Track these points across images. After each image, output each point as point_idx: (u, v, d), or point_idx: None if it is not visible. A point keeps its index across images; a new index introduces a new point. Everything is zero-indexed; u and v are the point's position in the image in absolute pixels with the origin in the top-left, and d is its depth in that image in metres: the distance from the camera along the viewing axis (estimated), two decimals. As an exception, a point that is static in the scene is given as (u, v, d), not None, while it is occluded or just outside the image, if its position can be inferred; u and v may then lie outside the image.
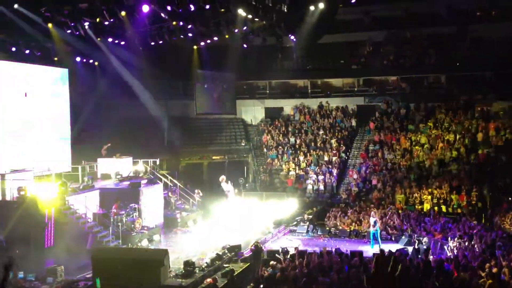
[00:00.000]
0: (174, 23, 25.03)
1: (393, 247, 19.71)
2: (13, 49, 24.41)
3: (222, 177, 26.03)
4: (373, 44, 35.01)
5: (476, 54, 31.15)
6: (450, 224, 22.00)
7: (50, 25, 22.52)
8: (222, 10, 24.29)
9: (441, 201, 24.99)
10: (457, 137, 28.97)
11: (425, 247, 19.40)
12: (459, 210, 23.87)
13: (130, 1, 22.14)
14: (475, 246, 18.18)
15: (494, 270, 15.19)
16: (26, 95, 24.34)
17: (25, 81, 24.33)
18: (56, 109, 26.24)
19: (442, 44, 32.43)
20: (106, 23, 23.22)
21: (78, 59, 29.00)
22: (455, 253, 17.81)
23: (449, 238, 20.19)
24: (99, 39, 25.51)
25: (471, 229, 20.91)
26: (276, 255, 17.68)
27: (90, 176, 23.66)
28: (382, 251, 16.84)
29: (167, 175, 26.53)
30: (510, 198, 23.85)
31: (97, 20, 22.27)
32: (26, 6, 21.15)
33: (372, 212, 21.91)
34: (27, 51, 25.04)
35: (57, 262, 16.99)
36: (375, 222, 21.02)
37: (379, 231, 21.10)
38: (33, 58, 25.31)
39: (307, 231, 23.38)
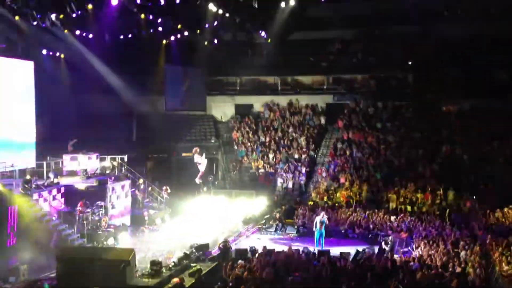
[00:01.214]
0: (142, 16, 24.71)
1: (359, 246, 19.98)
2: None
3: (195, 149, 25.53)
4: (342, 42, 35.22)
5: (442, 53, 31.62)
6: (415, 223, 22.37)
7: (17, 17, 21.93)
8: (192, 4, 24.12)
9: (407, 200, 25.33)
10: (423, 135, 29.44)
11: (389, 246, 19.68)
12: (424, 209, 24.20)
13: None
14: (440, 245, 18.54)
15: (458, 269, 15.57)
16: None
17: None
18: (21, 102, 25.56)
19: (410, 42, 32.81)
20: (74, 15, 22.78)
21: (44, 51, 28.32)
22: (421, 253, 18.15)
23: (414, 237, 20.57)
24: (66, 31, 24.97)
25: (436, 228, 21.34)
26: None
27: (55, 173, 23.16)
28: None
29: (135, 172, 26.20)
30: (474, 197, 24.35)
31: (64, 12, 21.83)
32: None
33: (322, 213, 21.69)
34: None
35: (20, 261, 16.61)
36: (323, 222, 20.72)
37: (324, 233, 20.76)
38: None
39: (276, 230, 23.44)
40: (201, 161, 25.22)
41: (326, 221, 21.12)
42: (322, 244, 20.50)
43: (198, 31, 28.40)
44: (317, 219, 21.05)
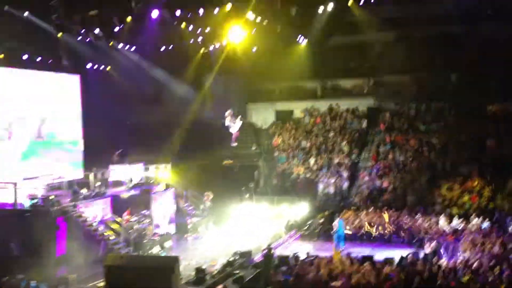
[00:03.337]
0: (183, 26, 25.14)
1: (404, 250, 19.64)
2: (25, 56, 24.67)
3: (229, 111, 25.47)
4: (383, 45, 34.79)
5: (486, 54, 30.79)
6: (462, 225, 21.82)
7: (60, 34, 22.77)
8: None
9: (453, 202, 24.75)
10: (468, 137, 28.71)
11: (435, 250, 19.28)
12: (470, 213, 23.57)
13: (139, 7, 22.35)
14: (486, 248, 18.04)
15: (506, 272, 15.10)
16: (38, 102, 24.58)
17: (37, 88, 24.57)
18: (68, 116, 26.45)
19: (452, 43, 32.12)
20: (116, 29, 23.48)
21: (89, 65, 29.23)
22: (467, 256, 17.68)
23: (461, 241, 20.07)
24: (110, 44, 25.72)
25: (483, 231, 20.73)
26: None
27: (102, 183, 23.81)
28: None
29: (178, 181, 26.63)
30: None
31: (107, 26, 22.53)
32: (36, 14, 21.43)
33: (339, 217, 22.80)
34: (39, 58, 25.29)
35: (69, 271, 17.10)
36: (340, 224, 21.68)
37: (343, 235, 21.71)
38: (44, 65, 25.55)
39: (319, 236, 23.31)
40: (233, 124, 24.97)
41: (343, 225, 21.99)
42: (341, 244, 21.35)
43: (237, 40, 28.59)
44: (336, 223, 21.98)
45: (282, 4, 25.06)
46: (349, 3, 28.44)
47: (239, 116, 25.04)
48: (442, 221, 22.79)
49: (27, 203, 19.84)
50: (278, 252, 20.22)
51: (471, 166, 26.84)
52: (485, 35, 31.04)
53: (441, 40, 32.25)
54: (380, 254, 19.09)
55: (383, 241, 22.34)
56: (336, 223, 21.84)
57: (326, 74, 35.58)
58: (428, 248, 19.59)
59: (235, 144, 25.93)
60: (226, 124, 24.83)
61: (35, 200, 19.73)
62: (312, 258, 17.80)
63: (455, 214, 23.81)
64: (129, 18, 22.87)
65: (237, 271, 17.32)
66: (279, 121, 36.03)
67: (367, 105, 34.27)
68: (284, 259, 18.54)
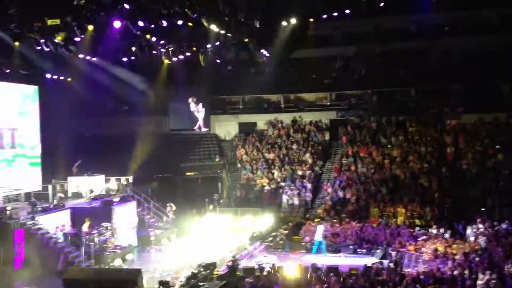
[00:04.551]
0: (147, 36, 24.85)
1: (369, 260, 19.80)
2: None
3: (192, 98, 25.23)
4: (345, 59, 35.41)
5: (444, 68, 31.76)
6: (424, 236, 22.19)
7: (17, 43, 22.12)
8: (193, 25, 24.26)
9: (415, 213, 25.19)
10: (428, 149, 29.41)
11: (399, 260, 19.51)
12: (431, 223, 24.00)
13: (101, 17, 21.94)
14: (449, 258, 18.38)
15: (468, 282, 15.40)
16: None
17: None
18: (25, 127, 25.70)
19: (412, 58, 33.00)
20: (77, 39, 22.96)
21: (48, 75, 28.51)
22: (431, 266, 17.97)
23: (424, 251, 20.40)
24: (71, 54, 25.16)
25: (447, 241, 21.11)
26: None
27: (60, 195, 23.17)
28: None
29: (140, 192, 26.16)
30: (482, 209, 24.20)
31: (68, 36, 21.99)
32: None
33: (323, 223, 23.89)
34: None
35: (27, 284, 16.47)
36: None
37: (324, 242, 22.58)
38: (1, 75, 24.77)
39: (283, 247, 23.26)
40: (200, 110, 24.83)
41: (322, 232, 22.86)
42: (322, 251, 22.34)
43: (200, 52, 28.50)
44: (318, 228, 22.84)
45: (246, 17, 25.12)
46: (311, 20, 28.87)
47: (200, 104, 24.90)
48: (404, 231, 23.11)
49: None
50: (243, 263, 20.07)
51: (431, 177, 27.42)
52: (443, 49, 32.10)
53: (400, 54, 33.08)
54: (344, 265, 19.17)
55: (347, 251, 22.46)
56: (318, 230, 22.77)
57: (289, 87, 35.89)
58: (391, 258, 19.79)
59: (199, 130, 25.78)
60: (191, 110, 24.65)
61: (-9, 212, 19.01)
62: (277, 269, 17.70)
63: (416, 224, 24.22)
64: (90, 27, 22.41)
65: (202, 284, 17.07)
66: (242, 133, 36.03)
67: (330, 118, 34.67)
68: (249, 271, 18.41)
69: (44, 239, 19.51)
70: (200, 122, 25.05)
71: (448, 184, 26.91)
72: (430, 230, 22.86)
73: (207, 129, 26.61)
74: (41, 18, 21.10)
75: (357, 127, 33.09)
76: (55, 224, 20.85)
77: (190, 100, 24.77)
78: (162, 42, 25.83)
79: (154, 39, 25.01)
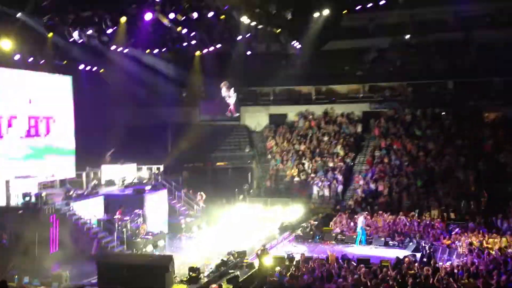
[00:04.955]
0: (178, 29, 24.96)
1: (400, 253, 19.52)
2: (17, 56, 24.34)
3: (224, 83, 25.26)
4: (378, 51, 34.88)
5: (483, 61, 30.94)
6: (458, 230, 21.72)
7: (50, 34, 22.49)
8: (224, 17, 24.26)
9: (450, 207, 24.71)
10: (464, 142, 28.77)
11: (431, 253, 19.15)
12: (467, 217, 23.51)
13: (133, 9, 22.13)
14: (484, 253, 17.93)
15: (503, 278, 14.97)
16: (30, 102, 24.32)
17: (29, 88, 24.31)
18: (60, 115, 26.20)
19: (449, 50, 32.26)
20: (110, 30, 23.24)
21: (81, 66, 28.97)
22: (465, 260, 17.58)
23: (458, 244, 19.98)
24: (103, 46, 25.46)
25: (480, 235, 20.63)
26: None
27: (94, 182, 23.58)
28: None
29: (171, 181, 26.41)
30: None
31: (101, 27, 22.26)
32: (29, 15, 21.15)
33: (364, 213, 23.84)
34: (30, 59, 24.98)
35: (62, 268, 16.83)
36: (363, 223, 22.46)
37: (365, 233, 22.38)
38: (36, 65, 25.25)
39: (313, 237, 23.15)
40: (230, 95, 24.84)
41: (364, 222, 22.58)
42: (362, 242, 22.07)
43: (231, 43, 28.50)
44: (360, 219, 22.52)
45: (277, 8, 24.97)
46: (344, 12, 28.57)
47: (232, 89, 24.90)
48: (438, 225, 22.69)
49: (20, 201, 19.56)
50: (272, 252, 20.02)
51: (467, 171, 26.83)
52: (482, 41, 31.24)
53: (437, 46, 32.39)
54: (375, 256, 18.94)
55: (379, 243, 22.19)
56: (359, 221, 22.53)
57: (320, 78, 35.59)
58: (424, 251, 19.45)
59: (230, 114, 25.84)
60: (222, 95, 24.70)
61: (28, 198, 19.46)
62: (307, 259, 17.61)
63: (451, 218, 23.76)
64: (123, 19, 22.63)
65: (232, 271, 17.17)
66: (272, 124, 35.95)
67: (362, 110, 34.26)
68: (278, 260, 18.37)
69: (78, 224, 19.90)
70: (231, 106, 25.08)
71: (484, 178, 26.26)
72: (465, 223, 22.36)
73: (238, 113, 26.63)
74: (74, 9, 21.45)
75: (390, 119, 32.61)
76: (89, 210, 21.20)
77: (222, 85, 24.82)
78: (193, 33, 25.91)
79: (185, 30, 25.15)
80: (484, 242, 19.59)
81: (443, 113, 31.59)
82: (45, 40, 23.14)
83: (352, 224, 23.83)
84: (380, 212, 24.74)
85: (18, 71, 23.81)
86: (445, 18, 32.59)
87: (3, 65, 23.07)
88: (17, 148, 23.05)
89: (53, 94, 25.57)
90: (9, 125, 22.75)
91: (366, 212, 24.56)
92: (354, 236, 22.56)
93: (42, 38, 22.83)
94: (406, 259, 17.58)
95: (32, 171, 22.44)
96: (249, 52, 30.85)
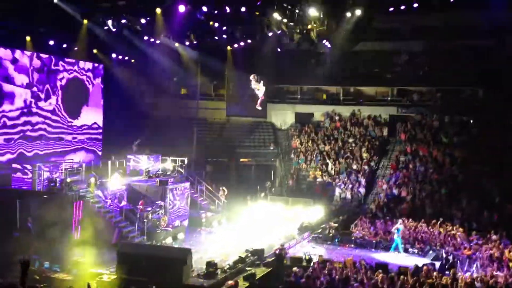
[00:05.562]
0: (211, 23, 25.08)
1: (420, 261, 19.31)
2: (51, 42, 24.83)
3: (253, 75, 25.31)
4: (409, 54, 34.44)
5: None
6: (479, 240, 21.37)
7: (85, 21, 22.85)
8: (257, 13, 24.28)
9: (472, 216, 24.32)
10: (492, 151, 28.23)
11: (451, 263, 18.93)
12: (489, 228, 23.07)
13: (167, 1, 22.36)
14: (504, 265, 17.64)
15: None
16: (61, 88, 24.79)
17: (61, 75, 24.78)
18: (89, 104, 26.65)
19: (480, 56, 31.66)
20: (143, 21, 23.50)
21: (113, 55, 29.38)
22: (484, 272, 17.32)
23: (478, 255, 19.67)
24: (135, 36, 25.76)
25: (501, 248, 20.26)
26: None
27: (119, 171, 23.91)
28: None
29: (194, 175, 26.61)
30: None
31: (135, 18, 22.55)
32: (65, 2, 21.52)
33: (400, 221, 23.02)
34: (64, 45, 25.46)
35: (82, 255, 17.12)
36: (398, 230, 21.88)
37: (399, 240, 21.78)
38: (69, 52, 25.71)
39: (332, 239, 23.06)
40: (258, 89, 24.79)
41: (401, 229, 22.08)
42: (399, 250, 21.58)
43: (261, 39, 28.50)
44: (396, 226, 22.18)
45: (309, 6, 24.82)
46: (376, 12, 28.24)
47: (262, 81, 24.82)
48: (460, 234, 22.36)
49: (45, 186, 19.99)
50: (290, 252, 20.05)
51: (492, 181, 26.36)
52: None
53: (468, 52, 31.81)
54: (394, 263, 18.79)
55: (398, 250, 21.98)
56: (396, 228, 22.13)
57: (349, 79, 35.33)
58: (444, 260, 19.21)
59: (259, 107, 25.82)
60: (252, 87, 24.67)
61: (53, 184, 19.86)
62: (325, 261, 17.58)
63: (473, 228, 23.38)
64: (158, 11, 22.85)
65: (249, 268, 17.25)
66: (298, 123, 35.85)
67: (389, 113, 33.91)
68: (296, 260, 18.41)
69: (101, 213, 20.22)
70: (260, 99, 25.01)
71: (510, 189, 25.74)
72: (488, 235, 21.98)
73: (260, 108, 26.58)
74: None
75: (417, 124, 32.20)
76: (112, 198, 21.52)
77: (251, 77, 24.73)
78: (224, 28, 26.01)
79: (216, 24, 25.26)
80: (506, 254, 19.21)
81: (472, 120, 31.06)
82: (79, 27, 23.56)
83: (372, 229, 23.66)
84: (403, 218, 24.48)
85: (50, 57, 24.31)
86: (478, 24, 31.96)
87: (37, 50, 23.58)
88: (46, 134, 23.59)
89: (84, 81, 26.03)
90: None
91: (403, 219, 24.00)
92: (374, 241, 22.40)
93: (76, 25, 23.23)
94: (425, 267, 17.40)
95: (59, 157, 22.90)
96: (279, 49, 30.83)
